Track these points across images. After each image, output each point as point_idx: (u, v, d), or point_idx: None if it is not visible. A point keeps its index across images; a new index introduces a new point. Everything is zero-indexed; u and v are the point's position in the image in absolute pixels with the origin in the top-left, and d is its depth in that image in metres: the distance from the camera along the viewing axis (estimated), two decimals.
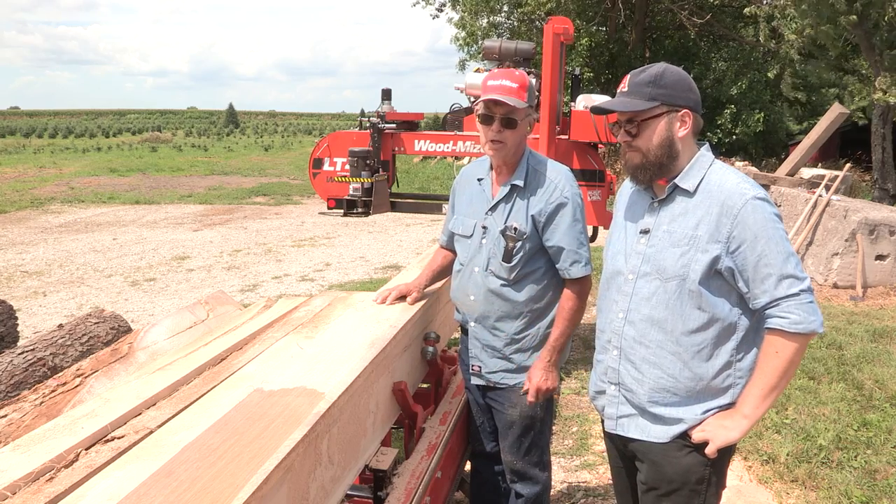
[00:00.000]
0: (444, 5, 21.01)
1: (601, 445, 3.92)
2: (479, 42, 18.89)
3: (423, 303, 2.61)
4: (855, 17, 9.99)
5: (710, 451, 1.85)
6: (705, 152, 1.90)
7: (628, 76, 1.91)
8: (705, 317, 1.83)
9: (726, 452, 1.93)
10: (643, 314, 1.90)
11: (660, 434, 1.92)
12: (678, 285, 1.84)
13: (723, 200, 1.79)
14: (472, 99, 5.25)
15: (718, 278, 1.82)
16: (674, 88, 1.84)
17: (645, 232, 1.92)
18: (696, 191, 1.85)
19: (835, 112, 9.61)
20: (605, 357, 2.02)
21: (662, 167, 1.87)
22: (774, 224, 1.77)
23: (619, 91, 1.92)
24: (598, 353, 2.06)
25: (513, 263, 2.37)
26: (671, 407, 1.89)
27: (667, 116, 1.84)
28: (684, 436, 1.89)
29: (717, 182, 1.83)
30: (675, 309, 1.85)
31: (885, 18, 10.15)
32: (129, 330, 3.38)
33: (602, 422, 2.10)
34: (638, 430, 1.96)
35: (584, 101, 5.09)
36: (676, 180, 1.87)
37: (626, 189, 2.07)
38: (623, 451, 2.08)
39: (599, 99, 4.97)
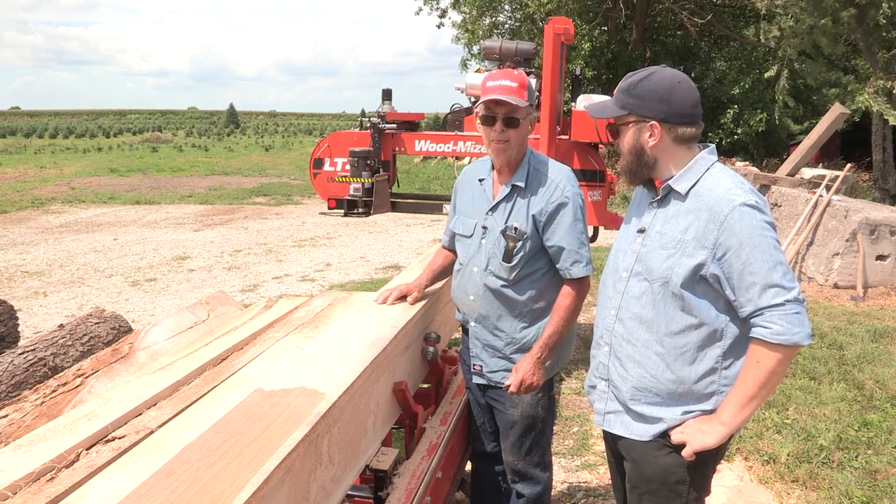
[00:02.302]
0: (446, 11, 20.98)
1: (601, 445, 3.92)
2: (481, 41, 18.88)
3: (423, 303, 2.61)
4: (853, 10, 9.97)
5: (686, 453, 1.85)
6: (706, 155, 1.88)
7: (621, 81, 1.93)
8: (689, 320, 1.82)
9: (710, 457, 1.92)
10: (632, 312, 1.91)
11: (641, 432, 1.93)
12: (662, 287, 1.84)
13: (711, 206, 1.77)
14: (473, 99, 5.25)
15: (704, 284, 1.80)
16: (643, 99, 1.83)
17: (641, 231, 1.93)
18: (687, 194, 1.83)
19: (835, 112, 9.60)
20: (598, 353, 2.05)
21: (634, 173, 1.90)
22: (762, 231, 1.73)
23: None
24: (593, 349, 2.09)
25: (513, 263, 2.37)
26: (652, 406, 1.90)
27: (636, 126, 1.86)
28: (664, 435, 1.89)
29: (710, 187, 1.81)
30: (660, 310, 1.85)
31: (883, 18, 10.13)
32: (129, 330, 3.38)
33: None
34: (623, 427, 1.97)
35: (585, 102, 5.09)
36: (671, 182, 1.87)
37: (638, 188, 2.08)
38: (614, 449, 2.10)
39: (599, 99, 4.97)
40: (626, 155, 1.89)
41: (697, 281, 1.79)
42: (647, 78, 1.85)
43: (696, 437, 1.83)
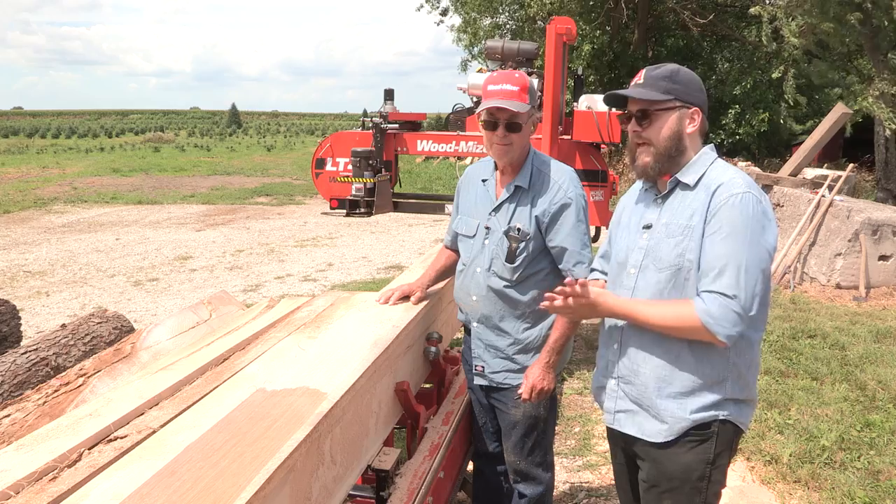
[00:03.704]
0: (447, 10, 20.96)
1: (604, 445, 3.92)
2: (482, 42, 18.86)
3: (425, 303, 2.61)
4: (860, 14, 9.94)
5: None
6: (709, 151, 1.95)
7: (644, 70, 1.96)
8: None
9: (727, 452, 1.93)
10: None
11: (657, 431, 1.92)
12: (672, 275, 1.86)
13: (714, 192, 1.83)
14: (475, 99, 5.25)
15: None
16: (687, 86, 1.91)
17: (647, 227, 1.95)
18: (696, 185, 1.89)
19: (838, 112, 9.58)
20: (606, 352, 2.05)
21: (670, 159, 1.91)
22: (750, 225, 1.77)
23: (633, 83, 1.96)
24: (601, 349, 2.09)
25: (516, 264, 2.37)
26: (667, 400, 1.89)
27: (678, 111, 1.90)
28: (685, 433, 1.89)
29: (715, 177, 1.87)
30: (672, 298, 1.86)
31: (891, 18, 10.10)
32: (131, 330, 3.39)
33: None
34: (635, 426, 1.97)
35: (587, 102, 5.09)
36: (678, 175, 1.92)
37: (633, 190, 2.11)
38: (624, 449, 2.09)
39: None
40: (662, 141, 1.90)
41: None
42: (683, 69, 1.94)
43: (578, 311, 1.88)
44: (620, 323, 1.97)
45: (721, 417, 1.88)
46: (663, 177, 1.94)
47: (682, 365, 1.87)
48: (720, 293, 1.74)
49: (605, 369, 2.05)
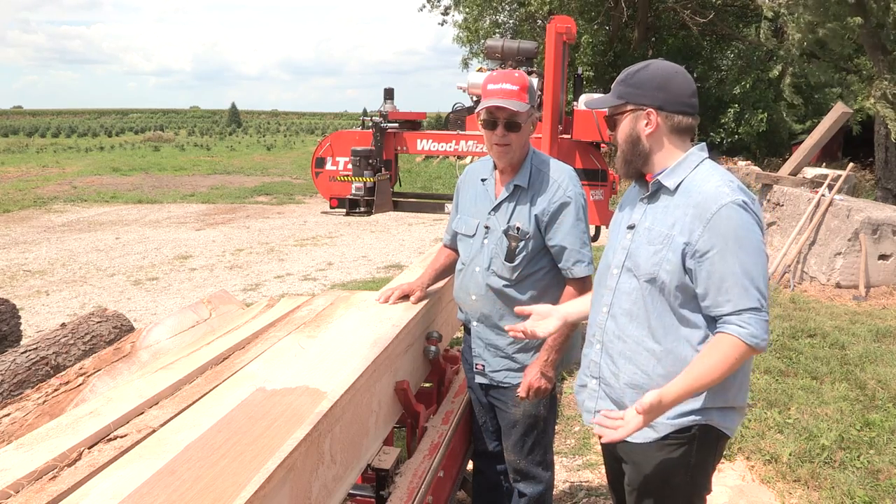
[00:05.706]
0: (448, 8, 20.98)
1: None
2: (482, 41, 18.86)
3: (425, 302, 2.61)
4: (860, 18, 9.94)
5: (615, 438, 1.75)
6: (697, 152, 1.87)
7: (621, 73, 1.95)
8: (679, 315, 1.81)
9: (710, 456, 1.91)
10: (624, 309, 1.89)
11: (635, 434, 1.90)
12: (650, 282, 1.83)
13: (698, 202, 1.76)
14: (475, 98, 5.26)
15: (690, 279, 1.80)
16: (640, 87, 1.84)
17: (631, 227, 1.92)
18: (676, 190, 1.83)
19: (838, 111, 9.57)
20: (590, 351, 2.03)
21: (630, 162, 1.90)
22: (748, 232, 1.72)
23: None
24: (585, 347, 2.07)
25: (515, 263, 2.37)
26: None
27: (632, 114, 1.86)
28: (664, 436, 1.87)
29: (698, 183, 1.80)
30: (649, 306, 1.84)
31: (890, 19, 10.10)
32: (131, 329, 3.38)
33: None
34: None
35: (587, 100, 5.09)
36: (660, 177, 1.86)
37: (630, 188, 2.09)
38: (611, 450, 2.08)
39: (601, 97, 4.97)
40: (621, 144, 1.89)
41: (684, 276, 1.78)
42: (645, 68, 1.86)
43: (631, 422, 1.74)
44: (602, 323, 1.95)
45: (702, 422, 1.85)
46: (645, 176, 1.91)
47: (657, 374, 1.84)
48: (750, 309, 1.69)
49: (587, 368, 2.03)
